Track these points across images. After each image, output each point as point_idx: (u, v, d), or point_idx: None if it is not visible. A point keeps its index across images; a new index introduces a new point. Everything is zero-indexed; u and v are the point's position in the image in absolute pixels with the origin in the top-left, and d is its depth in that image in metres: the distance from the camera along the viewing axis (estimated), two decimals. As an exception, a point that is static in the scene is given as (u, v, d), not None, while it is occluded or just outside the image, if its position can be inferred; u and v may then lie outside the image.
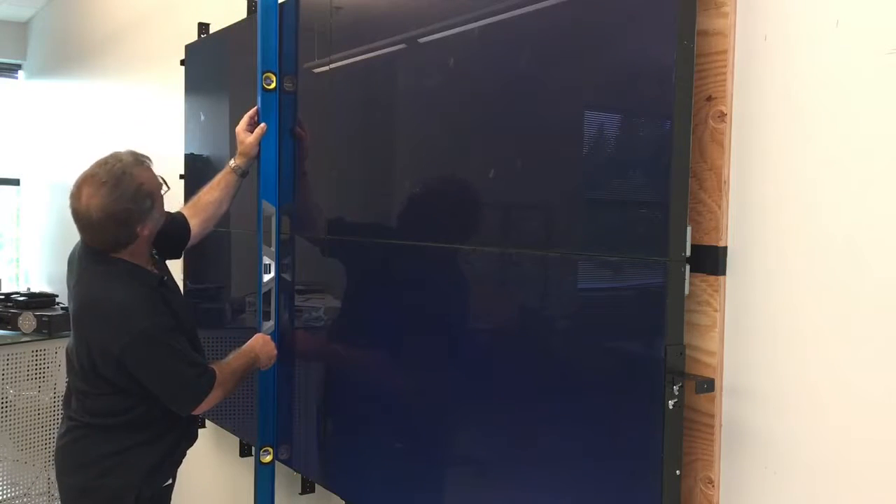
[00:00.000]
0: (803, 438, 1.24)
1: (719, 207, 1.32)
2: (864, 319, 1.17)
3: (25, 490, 4.28)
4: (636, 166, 1.37)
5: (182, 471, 2.27)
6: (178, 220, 2.26)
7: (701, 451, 1.36)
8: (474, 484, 1.77)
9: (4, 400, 4.15)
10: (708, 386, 1.33)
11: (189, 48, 3.03)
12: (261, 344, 2.24)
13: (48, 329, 4.27)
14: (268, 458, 2.34)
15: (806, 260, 1.23)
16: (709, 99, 1.33)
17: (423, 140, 1.88)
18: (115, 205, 1.93)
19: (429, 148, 1.86)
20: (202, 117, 2.92)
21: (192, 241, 2.31)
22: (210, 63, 2.92)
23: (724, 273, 1.33)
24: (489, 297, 1.70)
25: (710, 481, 1.35)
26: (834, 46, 1.19)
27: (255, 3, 2.37)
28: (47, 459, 4.16)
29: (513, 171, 1.60)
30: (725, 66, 1.31)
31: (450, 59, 1.74)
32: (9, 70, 6.35)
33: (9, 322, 4.30)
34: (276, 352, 2.27)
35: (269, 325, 2.32)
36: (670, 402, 1.30)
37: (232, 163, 2.29)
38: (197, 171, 2.90)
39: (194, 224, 2.28)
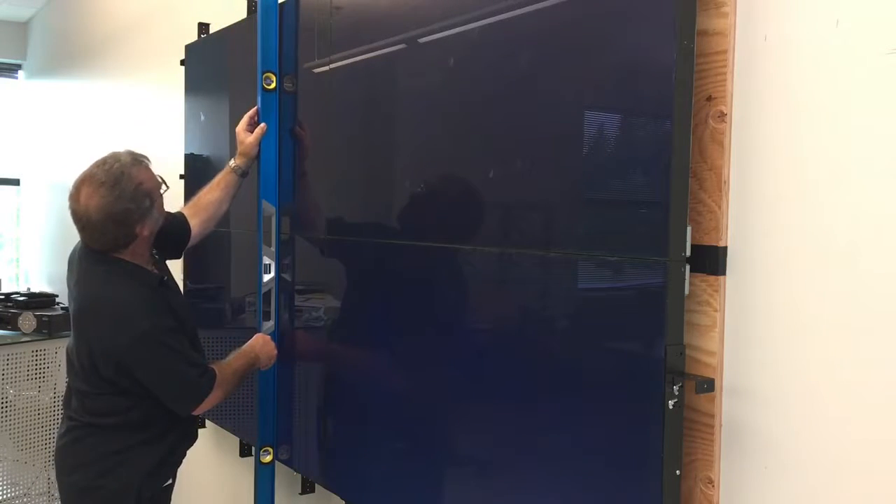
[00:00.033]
0: (803, 438, 1.24)
1: (719, 207, 1.32)
2: (864, 319, 1.17)
3: (25, 490, 4.28)
4: (636, 166, 1.37)
5: (182, 471, 2.27)
6: (178, 220, 2.26)
7: (701, 451, 1.36)
8: (474, 484, 1.77)
9: (4, 400, 4.15)
10: (708, 386, 1.33)
11: (189, 48, 3.03)
12: (261, 344, 2.24)
13: (48, 329, 4.28)
14: (268, 458, 2.34)
15: (806, 260, 1.23)
16: (709, 99, 1.33)
17: (423, 140, 1.88)
18: (113, 205, 1.93)
19: (429, 148, 1.85)
20: (202, 117, 2.92)
21: (193, 241, 2.31)
22: (210, 63, 2.92)
23: (724, 273, 1.33)
24: (489, 298, 1.70)
25: (710, 481, 1.35)
26: (834, 46, 1.19)
27: (255, 3, 2.37)
28: (47, 459, 4.16)
29: (513, 171, 1.59)
30: (725, 66, 1.31)
31: (450, 59, 1.74)
32: (9, 70, 6.35)
33: (9, 322, 4.30)
34: (276, 352, 2.27)
35: (269, 325, 2.32)
36: (670, 402, 1.30)
37: (232, 163, 2.29)
38: (197, 171, 2.90)
39: (194, 224, 2.28)
